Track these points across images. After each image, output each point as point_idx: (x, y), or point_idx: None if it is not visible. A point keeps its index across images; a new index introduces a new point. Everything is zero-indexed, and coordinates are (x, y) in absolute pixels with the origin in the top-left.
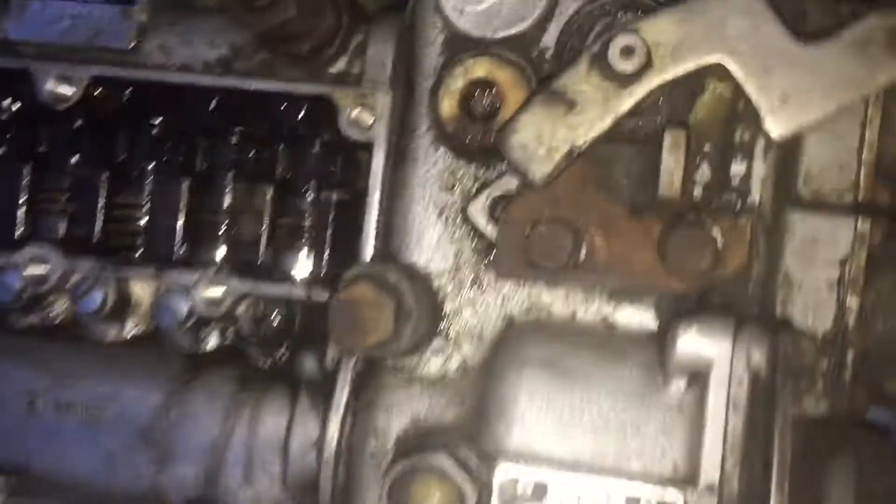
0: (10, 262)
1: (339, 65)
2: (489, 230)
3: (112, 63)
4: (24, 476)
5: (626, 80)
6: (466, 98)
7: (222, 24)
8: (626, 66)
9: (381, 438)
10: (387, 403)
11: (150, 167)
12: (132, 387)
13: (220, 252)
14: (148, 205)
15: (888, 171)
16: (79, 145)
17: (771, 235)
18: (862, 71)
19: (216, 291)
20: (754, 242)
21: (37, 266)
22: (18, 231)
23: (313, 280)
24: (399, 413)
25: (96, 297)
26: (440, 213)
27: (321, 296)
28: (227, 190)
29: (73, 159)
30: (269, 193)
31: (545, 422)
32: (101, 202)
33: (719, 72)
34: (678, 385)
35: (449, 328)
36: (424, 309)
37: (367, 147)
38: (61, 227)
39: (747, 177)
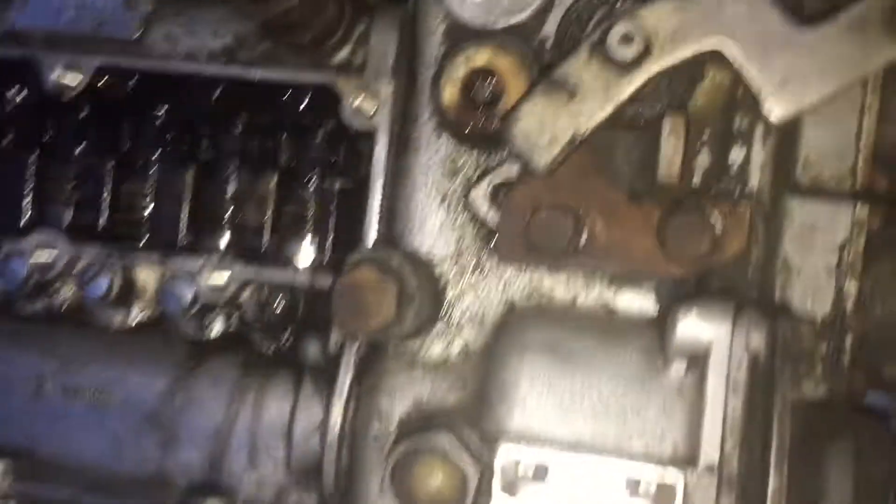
0: (16, 248)
1: (342, 54)
2: (491, 216)
3: (117, 52)
4: (30, 459)
5: (626, 68)
6: (468, 86)
7: (226, 14)
8: (626, 53)
9: (385, 422)
10: (390, 387)
11: (155, 156)
12: (138, 372)
13: (225, 239)
14: (153, 193)
15: (886, 158)
16: (84, 134)
17: (770, 221)
18: (859, 52)
19: (220, 277)
20: (753, 228)
21: (43, 252)
22: (25, 219)
23: (317, 266)
24: (402, 396)
25: (102, 284)
26: (442, 200)
27: (324, 282)
28: (231, 178)
29: (79, 148)
30: (273, 181)
31: (546, 405)
32: (107, 190)
33: (718, 59)
34: (678, 368)
35: (451, 313)
36: (427, 293)
37: (370, 135)
38: (67, 215)
39: (746, 163)
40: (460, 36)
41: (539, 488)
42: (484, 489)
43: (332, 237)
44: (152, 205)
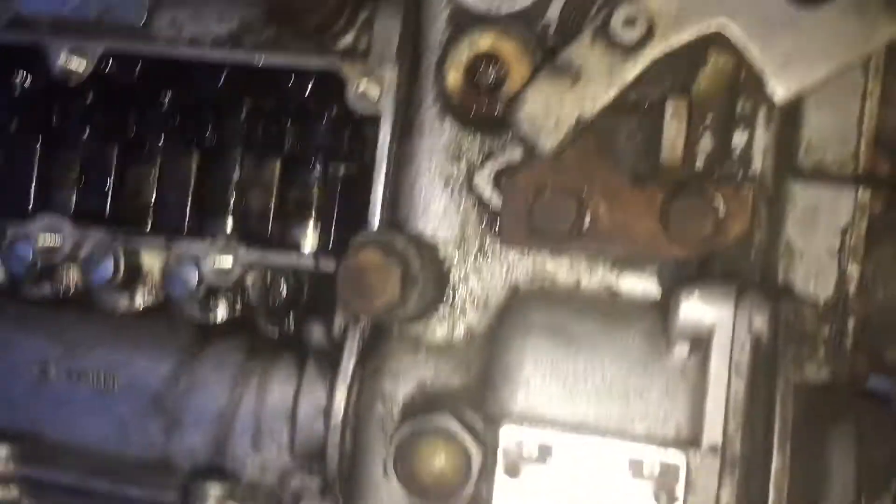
0: (22, 232)
1: (347, 39)
2: (494, 200)
3: (123, 38)
4: (34, 443)
5: (630, 51)
6: (472, 71)
7: (231, 0)
8: (629, 36)
9: (388, 404)
10: (393, 370)
11: (160, 141)
12: (143, 356)
13: (229, 225)
14: (158, 178)
15: (888, 143)
16: (90, 120)
17: (772, 205)
18: (861, 31)
19: (225, 261)
20: (756, 211)
21: (49, 236)
22: (31, 204)
23: (321, 250)
24: (405, 379)
25: (107, 268)
26: (446, 184)
27: (329, 265)
28: (235, 164)
29: (85, 133)
30: (278, 167)
31: (550, 386)
32: (112, 176)
33: (720, 42)
34: (681, 350)
35: (455, 296)
36: (430, 276)
37: (374, 121)
38: (73, 200)
39: (749, 147)
40: (464, 21)
41: (542, 469)
42: (487, 470)
43: (336, 222)
44: (157, 190)
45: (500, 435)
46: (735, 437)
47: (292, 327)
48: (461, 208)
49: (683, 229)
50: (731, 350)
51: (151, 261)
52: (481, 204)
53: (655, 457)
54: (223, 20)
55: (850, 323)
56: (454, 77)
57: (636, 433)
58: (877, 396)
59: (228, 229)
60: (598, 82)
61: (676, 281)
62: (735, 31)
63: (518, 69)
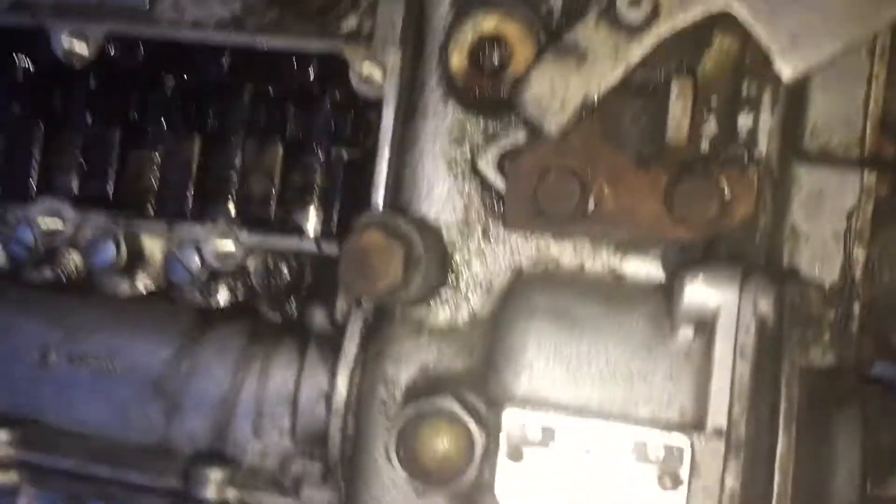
0: (23, 215)
1: (350, 22)
2: (498, 182)
3: (125, 21)
4: (34, 428)
5: (635, 31)
6: (476, 53)
7: None
8: (634, 16)
9: (391, 388)
10: (396, 353)
11: (162, 125)
12: (144, 340)
13: (231, 209)
14: (160, 162)
15: (894, 126)
16: (92, 104)
17: (777, 188)
18: (868, 8)
19: (227, 245)
20: (761, 194)
21: (50, 219)
22: (32, 188)
23: (323, 233)
24: (408, 363)
25: (109, 251)
26: (450, 167)
27: (331, 249)
28: (238, 148)
29: (87, 117)
30: (280, 151)
31: (553, 370)
32: (114, 160)
33: (726, 23)
34: (685, 334)
35: (458, 280)
36: (434, 259)
37: (378, 105)
38: (74, 185)
39: (754, 129)
40: (467, 3)
41: (545, 453)
42: (490, 454)
43: (338, 207)
44: (159, 174)
45: (503, 418)
46: (740, 420)
47: (294, 312)
48: (464, 192)
49: (688, 212)
50: (736, 333)
51: (153, 245)
52: (485, 187)
53: (659, 440)
54: (226, 3)
55: (856, 307)
56: (458, 59)
57: (640, 417)
58: (882, 382)
59: (230, 214)
60: (604, 63)
61: (681, 264)
62: (741, 10)
63: (522, 51)
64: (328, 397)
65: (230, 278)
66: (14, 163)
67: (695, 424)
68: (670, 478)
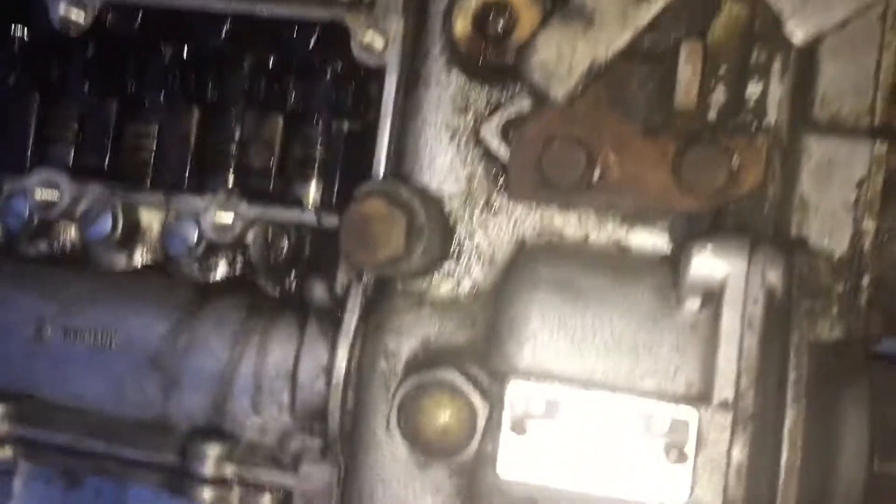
0: (18, 186)
1: None
2: (502, 152)
3: None
4: (29, 403)
5: None
6: (480, 19)
7: None
8: None
9: (391, 361)
10: (397, 326)
11: (160, 96)
12: (141, 314)
13: (230, 181)
14: (158, 134)
15: None
16: (89, 74)
17: (787, 158)
18: None
19: (225, 217)
20: (770, 163)
21: (46, 191)
22: (28, 159)
23: (324, 206)
24: (409, 335)
25: (105, 223)
26: (452, 136)
27: (331, 221)
28: (237, 120)
29: (84, 88)
30: (280, 123)
31: (557, 341)
32: (111, 130)
33: None
34: (692, 305)
35: (460, 251)
36: (436, 229)
37: (379, 75)
38: (71, 156)
39: (763, 98)
40: None
41: (549, 425)
42: (492, 426)
43: (339, 180)
44: (157, 146)
45: (506, 390)
46: (747, 392)
47: (294, 285)
48: (468, 161)
49: (696, 180)
50: (744, 304)
51: (150, 217)
52: (488, 157)
53: (665, 413)
54: None
55: (865, 279)
56: (462, 25)
57: (646, 389)
58: (890, 359)
59: (229, 186)
60: (612, 26)
61: (688, 235)
62: None
63: (528, 16)
64: (328, 371)
65: (229, 251)
66: (9, 133)
67: (701, 397)
68: (676, 451)
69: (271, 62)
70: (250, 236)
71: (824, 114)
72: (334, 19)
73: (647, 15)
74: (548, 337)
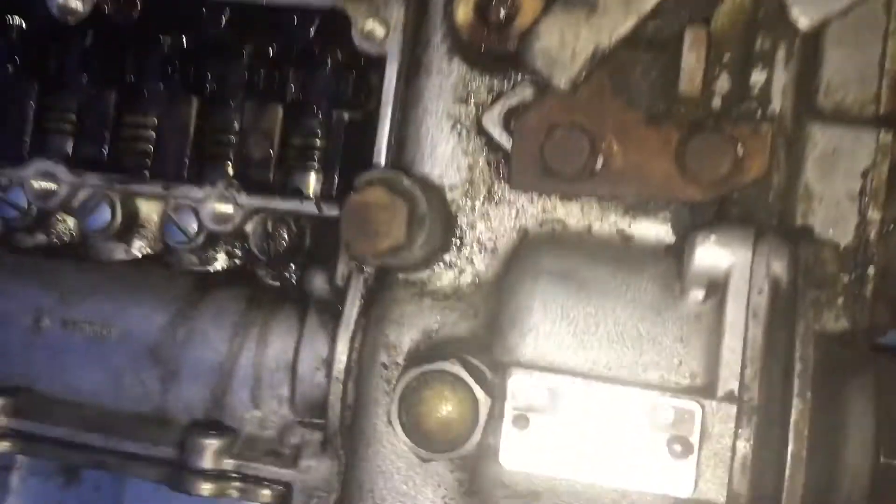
0: (16, 177)
1: None
2: (504, 140)
3: None
4: (27, 396)
5: None
6: (482, 5)
7: None
8: None
9: (392, 353)
10: (398, 317)
11: (159, 86)
12: (139, 305)
13: (230, 172)
14: (157, 125)
15: None
16: (88, 64)
17: (791, 147)
18: None
19: (225, 207)
20: (774, 151)
21: (44, 182)
22: (26, 150)
23: (324, 197)
24: (410, 327)
25: (104, 214)
26: (454, 125)
27: (332, 211)
28: (236, 110)
29: (83, 78)
30: (280, 113)
31: (560, 332)
32: (110, 121)
33: None
34: (696, 295)
35: (461, 242)
36: (437, 218)
37: (380, 65)
38: (69, 146)
39: (767, 86)
40: None
41: (551, 417)
42: (494, 418)
43: (339, 170)
44: (156, 137)
45: (508, 382)
46: (752, 384)
47: (294, 277)
48: (469, 151)
49: (700, 169)
50: (749, 294)
51: (149, 208)
52: (490, 146)
53: (669, 405)
54: None
55: (871, 270)
56: (464, 12)
57: (649, 381)
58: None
59: (229, 177)
60: (615, 13)
61: (691, 225)
62: None
63: (530, 2)
64: (328, 363)
65: (228, 242)
66: (7, 123)
67: (705, 389)
68: (680, 444)
69: (271, 52)
70: (250, 227)
71: (829, 102)
72: (334, 7)
73: (650, 1)
74: (550, 328)
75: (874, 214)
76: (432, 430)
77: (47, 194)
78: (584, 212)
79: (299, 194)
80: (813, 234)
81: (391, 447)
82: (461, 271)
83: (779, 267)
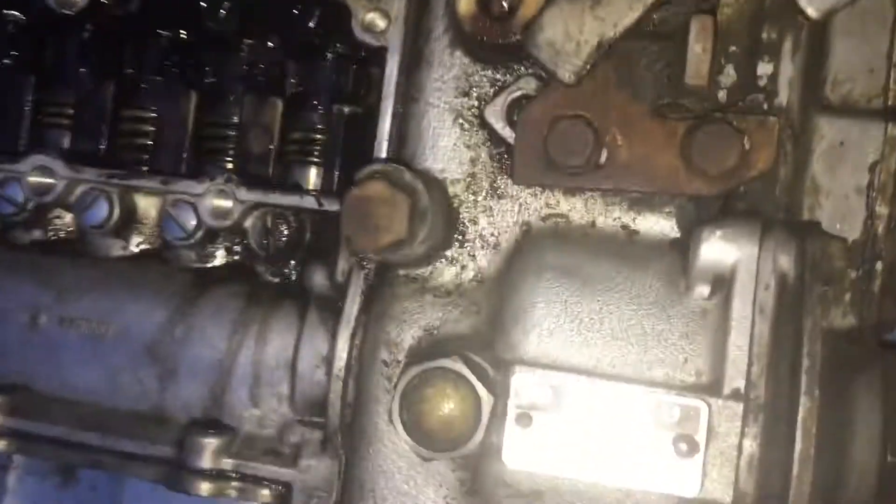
0: (13, 171)
1: None
2: (506, 134)
3: None
4: (24, 394)
5: None
6: None
7: None
8: None
9: (393, 350)
10: (399, 314)
11: (157, 79)
12: (137, 302)
13: (229, 167)
14: (155, 119)
15: None
16: (85, 57)
17: (798, 140)
18: None
19: (224, 202)
20: (781, 144)
21: (40, 176)
22: (23, 144)
23: (324, 191)
24: (412, 324)
25: (101, 210)
26: (456, 119)
27: (332, 205)
28: (236, 103)
29: (80, 71)
30: (280, 107)
31: (564, 329)
32: (108, 115)
33: None
34: (701, 291)
35: (463, 237)
36: (439, 213)
37: (380, 58)
38: (66, 141)
39: (774, 78)
40: None
41: (555, 415)
42: (497, 417)
43: (339, 164)
44: (154, 131)
45: (510, 380)
46: (759, 381)
47: (293, 273)
48: (471, 144)
49: (706, 162)
50: (755, 290)
51: (147, 203)
52: (493, 139)
53: (674, 403)
54: None
55: (878, 265)
56: (466, 3)
57: (654, 378)
58: None
59: (228, 172)
60: (620, 3)
61: (697, 220)
62: None
63: None
64: (328, 361)
65: (227, 238)
66: (3, 117)
67: (712, 386)
68: (686, 442)
69: (270, 45)
70: (249, 222)
71: (836, 94)
72: None
73: None
74: (554, 325)
75: (882, 209)
76: (434, 429)
77: (44, 189)
78: (588, 206)
79: (299, 189)
80: (820, 228)
81: (392, 446)
82: (463, 267)
83: (786, 262)
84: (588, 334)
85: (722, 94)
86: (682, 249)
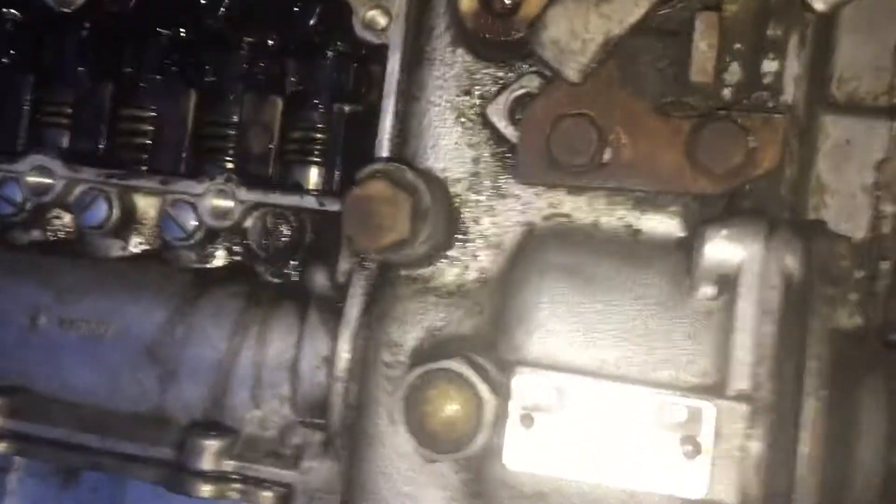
0: (11, 171)
1: None
2: (509, 132)
3: None
4: (24, 396)
5: None
6: None
7: None
8: None
9: (395, 351)
10: (400, 315)
11: (157, 78)
12: (137, 303)
13: (229, 166)
14: (154, 118)
15: None
16: (84, 55)
17: (804, 138)
18: None
19: (224, 202)
20: (787, 142)
21: (39, 176)
22: (21, 144)
23: (325, 191)
24: (414, 324)
25: (100, 210)
26: (458, 117)
27: (333, 205)
28: (236, 102)
29: (79, 70)
30: (280, 106)
31: (567, 329)
32: (107, 114)
33: None
34: (706, 291)
35: (466, 237)
36: (441, 212)
37: (381, 56)
38: (65, 140)
39: (780, 75)
40: None
41: (558, 416)
42: (500, 418)
43: (340, 163)
44: (153, 131)
45: (513, 381)
46: (765, 382)
47: (294, 273)
48: (473, 143)
49: (711, 161)
50: (761, 290)
51: (146, 203)
52: (495, 138)
53: (679, 404)
54: None
55: (885, 265)
56: (467, 0)
57: (659, 379)
58: None
59: (228, 171)
60: (625, 0)
61: (702, 219)
62: None
63: None
64: (329, 362)
65: (227, 238)
66: (2, 117)
67: (717, 387)
68: (692, 444)
69: (270, 43)
70: (249, 222)
71: (842, 92)
72: None
73: None
74: (557, 325)
75: (888, 208)
76: (437, 431)
77: (43, 189)
78: (591, 205)
79: (300, 189)
80: (826, 227)
81: (394, 448)
82: (466, 267)
83: (791, 262)
84: (592, 335)
85: (727, 92)
86: (686, 249)
